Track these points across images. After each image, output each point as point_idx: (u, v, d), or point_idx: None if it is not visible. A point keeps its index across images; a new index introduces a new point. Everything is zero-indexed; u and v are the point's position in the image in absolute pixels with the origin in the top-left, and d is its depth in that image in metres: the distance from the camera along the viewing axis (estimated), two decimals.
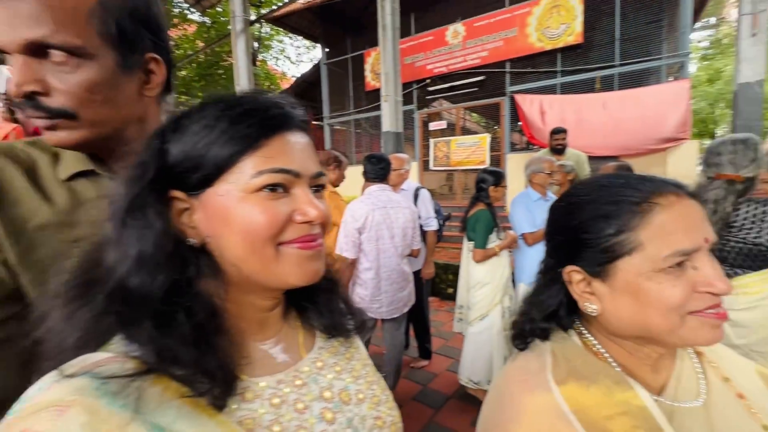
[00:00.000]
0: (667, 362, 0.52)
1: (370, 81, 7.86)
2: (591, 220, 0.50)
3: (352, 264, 2.09)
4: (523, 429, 0.47)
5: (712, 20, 12.73)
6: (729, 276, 1.43)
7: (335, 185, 2.46)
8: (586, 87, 5.86)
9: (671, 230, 0.45)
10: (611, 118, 5.27)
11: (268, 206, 0.39)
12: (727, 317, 0.45)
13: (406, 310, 2.21)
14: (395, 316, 2.15)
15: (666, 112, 4.98)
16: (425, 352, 2.95)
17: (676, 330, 0.45)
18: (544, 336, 0.56)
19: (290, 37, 13.44)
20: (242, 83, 5.49)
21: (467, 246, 2.46)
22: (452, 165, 6.94)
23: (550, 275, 0.57)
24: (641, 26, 5.52)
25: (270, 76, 11.41)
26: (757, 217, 1.35)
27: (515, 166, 5.88)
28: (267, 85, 10.98)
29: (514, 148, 6.76)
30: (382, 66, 4.98)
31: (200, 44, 9.28)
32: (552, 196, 2.52)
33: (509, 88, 6.38)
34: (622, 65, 5.56)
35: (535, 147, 5.78)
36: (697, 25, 10.42)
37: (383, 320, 2.22)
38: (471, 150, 6.68)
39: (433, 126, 7.36)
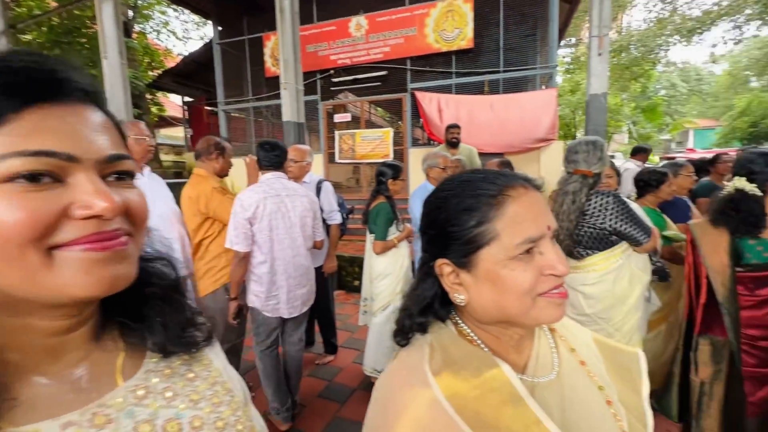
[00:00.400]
0: (527, 342, 0.56)
1: (270, 67, 7.40)
2: (456, 213, 0.51)
3: (245, 258, 1.92)
4: (404, 426, 0.46)
5: (573, 40, 15.12)
6: (582, 256, 1.69)
7: (220, 175, 2.22)
8: (477, 89, 6.43)
9: (521, 220, 0.48)
10: (497, 118, 5.87)
11: (22, 200, 0.29)
12: (567, 296, 0.50)
13: (305, 309, 2.10)
14: (294, 315, 2.03)
15: (540, 115, 5.75)
16: (330, 347, 2.92)
17: (529, 311, 0.48)
18: (423, 329, 0.57)
19: (175, 9, 11.89)
20: (111, 56, 4.63)
21: (369, 238, 2.48)
22: (357, 158, 6.98)
23: (424, 269, 0.58)
24: (520, 38, 6.25)
25: (150, 51, 9.93)
26: (603, 206, 1.62)
27: (417, 160, 6.16)
28: (146, 62, 9.54)
29: (416, 143, 7.08)
30: (281, 52, 4.71)
31: (53, 4, 7.58)
32: None
33: (410, 85, 6.64)
34: (505, 71, 6.22)
35: (435, 142, 6.14)
36: (563, 42, 12.27)
37: (284, 319, 2.11)
38: (375, 143, 6.80)
39: (338, 118, 7.29)
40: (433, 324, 0.57)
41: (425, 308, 0.57)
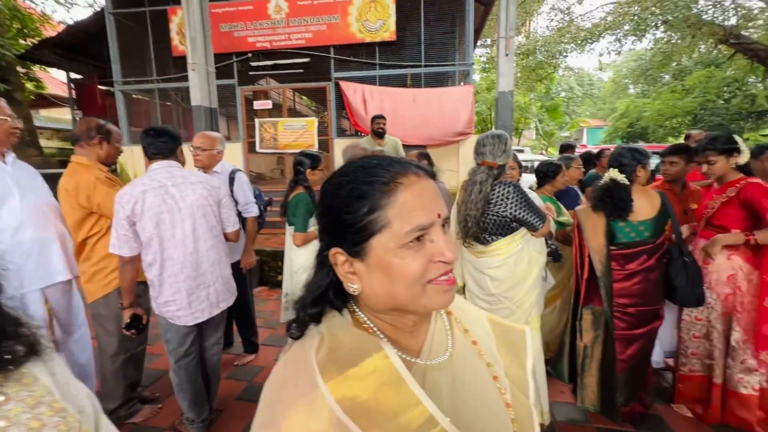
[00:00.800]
0: (423, 327, 0.57)
1: (178, 45, 6.68)
2: (349, 200, 0.50)
3: (132, 262, 1.69)
4: (291, 424, 0.44)
5: (489, 41, 16.21)
6: (488, 242, 1.82)
7: (106, 163, 1.93)
8: (400, 82, 6.55)
9: (411, 208, 0.48)
10: (419, 111, 6.06)
11: None
12: (455, 282, 0.52)
13: (217, 312, 1.88)
14: (201, 320, 1.82)
15: (458, 110, 6.06)
16: (251, 347, 2.78)
17: (418, 299, 0.49)
18: (318, 319, 0.55)
19: None
20: None
21: (289, 231, 2.39)
22: (280, 148, 6.69)
23: (320, 258, 0.56)
24: (440, 35, 6.49)
25: (21, 15, 8.28)
26: (505, 195, 1.75)
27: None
28: (15, 28, 7.95)
29: (344, 133, 7.00)
30: (187, 29, 4.25)
31: None
32: None
33: (334, 74, 6.52)
34: (426, 66, 6.43)
35: (362, 133, 6.14)
36: (479, 42, 13.07)
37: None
38: (299, 133, 6.58)
39: (258, 105, 6.89)
40: (329, 313, 0.56)
41: (319, 298, 0.55)
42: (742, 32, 9.35)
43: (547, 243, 2.12)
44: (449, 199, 2.80)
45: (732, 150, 1.92)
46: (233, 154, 6.72)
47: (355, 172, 0.51)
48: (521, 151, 14.47)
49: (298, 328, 0.56)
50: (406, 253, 0.47)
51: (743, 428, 1.92)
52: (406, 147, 4.63)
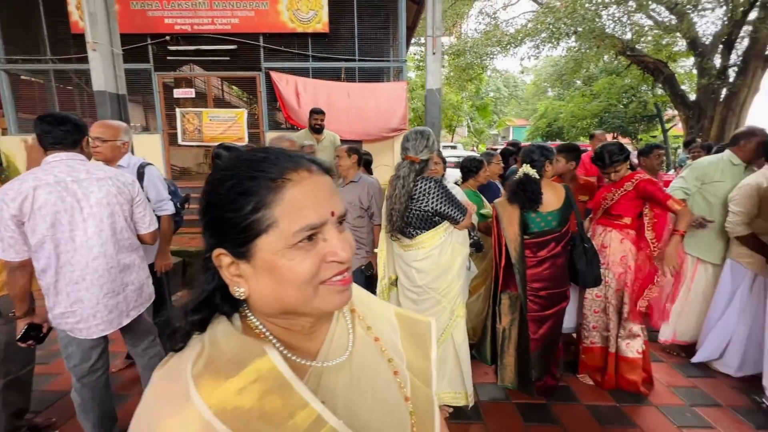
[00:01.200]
0: (323, 327, 0.55)
1: (79, 21, 5.87)
2: (231, 196, 0.46)
3: (23, 267, 1.47)
4: None
5: (423, 39, 16.66)
6: (413, 235, 1.86)
7: None
8: (334, 75, 6.45)
9: (301, 206, 0.45)
10: (354, 106, 6.03)
11: None
12: (350, 282, 0.50)
13: (126, 321, 1.69)
14: (106, 332, 1.61)
15: (393, 106, 6.14)
16: None
17: (310, 301, 0.47)
18: (202, 327, 0.50)
19: None
20: None
21: None
22: (206, 140, 6.23)
23: (204, 260, 0.51)
24: (374, 30, 6.50)
25: None
26: (426, 191, 1.81)
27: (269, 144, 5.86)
28: None
29: (278, 126, 6.71)
30: (85, 2, 3.73)
31: None
32: None
33: (264, 64, 6.22)
34: (360, 60, 6.41)
35: (297, 127, 5.94)
36: (414, 40, 13.35)
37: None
38: (227, 125, 6.18)
39: (179, 93, 6.33)
40: (216, 320, 0.51)
41: (203, 303, 0.50)
42: (636, 46, 10.71)
43: (470, 234, 2.24)
44: (381, 194, 2.82)
45: (629, 154, 2.21)
46: (152, 147, 6.11)
47: (239, 166, 0.47)
48: (454, 147, 15.10)
49: (180, 338, 0.51)
50: (294, 254, 0.45)
51: (632, 390, 2.22)
52: (342, 142, 4.58)
